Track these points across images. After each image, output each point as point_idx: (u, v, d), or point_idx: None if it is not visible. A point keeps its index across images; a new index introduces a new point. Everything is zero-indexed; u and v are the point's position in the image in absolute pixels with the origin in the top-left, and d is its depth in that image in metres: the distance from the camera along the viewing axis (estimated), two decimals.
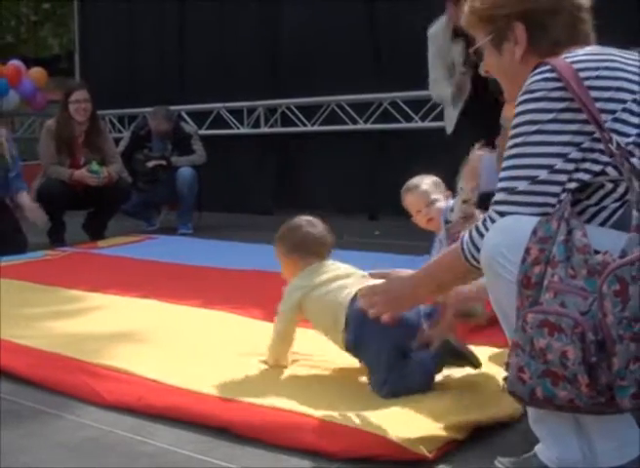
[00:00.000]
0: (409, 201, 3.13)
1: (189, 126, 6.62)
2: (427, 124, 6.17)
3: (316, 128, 6.90)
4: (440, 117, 5.91)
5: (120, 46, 8.28)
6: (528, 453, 1.59)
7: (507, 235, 1.47)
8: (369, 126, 6.58)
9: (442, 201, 3.07)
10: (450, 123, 4.64)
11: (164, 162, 6.01)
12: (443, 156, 5.66)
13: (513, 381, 1.40)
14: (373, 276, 2.04)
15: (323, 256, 2.34)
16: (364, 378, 2.17)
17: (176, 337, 2.71)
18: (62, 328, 2.87)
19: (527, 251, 1.40)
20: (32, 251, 4.79)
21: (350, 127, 6.68)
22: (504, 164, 1.55)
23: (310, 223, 2.41)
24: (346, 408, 1.92)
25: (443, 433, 1.76)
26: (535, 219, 1.44)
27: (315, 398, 2.01)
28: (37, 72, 8.56)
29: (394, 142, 6.46)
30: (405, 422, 1.80)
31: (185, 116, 7.33)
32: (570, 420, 1.46)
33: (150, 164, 6.06)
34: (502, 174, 1.54)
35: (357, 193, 6.59)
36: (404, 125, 6.36)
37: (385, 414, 1.85)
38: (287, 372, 2.27)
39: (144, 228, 6.08)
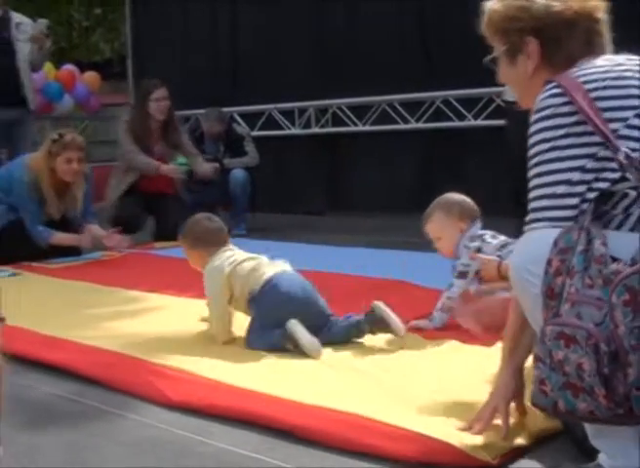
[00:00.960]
0: (425, 229, 2.95)
1: (242, 127, 6.64)
2: (480, 122, 6.11)
3: (367, 127, 6.88)
4: (493, 115, 5.85)
5: (172, 49, 8.37)
6: (592, 462, 1.55)
7: (531, 250, 1.48)
8: (421, 125, 6.54)
9: (452, 233, 2.84)
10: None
11: (217, 164, 6.04)
12: (496, 154, 5.63)
13: (536, 394, 1.40)
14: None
15: (223, 243, 2.78)
16: (422, 384, 2.15)
17: (234, 338, 2.71)
18: (125, 328, 2.90)
19: (549, 262, 1.41)
20: (88, 252, 4.86)
21: (402, 126, 6.65)
22: (529, 185, 1.55)
23: (208, 218, 2.89)
24: (408, 412, 1.90)
25: (507, 440, 1.73)
26: (556, 232, 1.44)
27: (375, 401, 2.00)
28: (91, 76, 8.70)
29: (447, 141, 6.40)
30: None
31: (237, 117, 7.36)
32: (629, 432, 1.43)
33: None
34: (529, 196, 1.55)
35: (410, 193, 6.54)
36: (457, 123, 6.31)
37: (447, 420, 1.83)
38: (348, 375, 2.26)
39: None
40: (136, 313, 3.08)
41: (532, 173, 1.56)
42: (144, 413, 2.13)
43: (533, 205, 1.54)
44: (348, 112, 7.00)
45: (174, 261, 4.59)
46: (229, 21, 7.85)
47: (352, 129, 7.01)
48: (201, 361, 2.41)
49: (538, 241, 1.48)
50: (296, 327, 2.48)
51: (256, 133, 7.13)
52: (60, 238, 4.66)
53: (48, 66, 8.22)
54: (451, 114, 6.33)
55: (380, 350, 2.53)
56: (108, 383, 2.34)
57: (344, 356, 2.48)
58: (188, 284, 3.70)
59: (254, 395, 2.10)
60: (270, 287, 2.60)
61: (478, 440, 1.70)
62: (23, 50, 5.49)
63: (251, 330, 2.62)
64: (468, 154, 6.19)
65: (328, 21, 7.11)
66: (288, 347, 2.48)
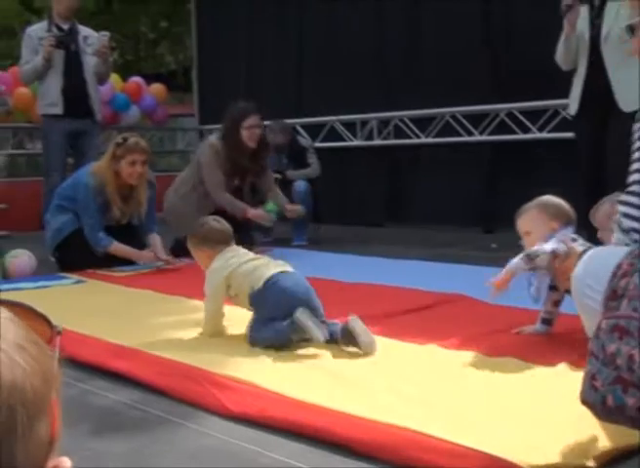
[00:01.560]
0: (517, 222, 2.88)
1: (305, 139, 6.66)
2: (545, 135, 6.03)
3: (430, 139, 6.85)
4: (559, 127, 5.77)
5: (236, 61, 8.49)
6: None
7: (594, 266, 1.50)
8: (484, 137, 6.48)
9: (542, 230, 2.73)
10: (574, 103, 4.46)
11: (279, 175, 6.09)
12: (561, 167, 5.54)
13: (586, 390, 1.39)
14: None
15: (228, 243, 2.95)
16: (480, 400, 2.13)
17: (295, 349, 2.73)
18: (187, 337, 2.94)
19: (619, 266, 1.41)
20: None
21: (465, 138, 6.60)
22: (629, 180, 1.53)
23: (215, 219, 3.07)
24: (466, 429, 1.88)
25: (574, 460, 1.69)
26: (616, 248, 1.43)
27: (431, 416, 1.98)
28: (157, 88, 8.87)
29: (510, 154, 6.34)
30: (533, 447, 1.74)
31: (300, 129, 7.42)
32: None
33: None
34: (629, 188, 1.52)
35: (472, 206, 6.49)
36: (521, 136, 6.23)
37: (509, 437, 1.80)
38: (403, 388, 2.25)
39: (260, 239, 6.17)
40: (198, 322, 3.12)
41: (633, 167, 1.53)
42: (205, 423, 2.16)
43: (626, 199, 1.51)
44: (410, 124, 6.99)
45: None
46: (294, 34, 7.93)
47: (414, 141, 6.99)
48: (260, 372, 2.43)
49: (602, 258, 1.47)
50: (303, 315, 2.60)
51: (317, 144, 7.17)
52: (120, 249, 4.70)
53: (115, 78, 8.43)
54: (515, 127, 6.26)
55: (436, 362, 2.51)
56: (171, 392, 2.38)
57: (397, 366, 2.47)
58: None
59: (312, 408, 2.10)
60: (271, 284, 2.75)
61: (542, 459, 1.67)
62: (90, 62, 5.63)
63: (253, 327, 2.77)
64: (533, 167, 6.11)
65: (391, 33, 7.12)
66: (292, 337, 2.64)
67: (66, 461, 0.56)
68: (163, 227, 5.27)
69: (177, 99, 11.47)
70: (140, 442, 2.05)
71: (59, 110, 5.56)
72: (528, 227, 2.79)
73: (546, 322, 2.83)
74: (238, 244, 2.97)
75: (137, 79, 8.73)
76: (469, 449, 1.75)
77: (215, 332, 2.90)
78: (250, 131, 5.13)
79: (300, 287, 2.80)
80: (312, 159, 6.33)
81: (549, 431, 1.84)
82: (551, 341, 2.71)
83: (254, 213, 5.14)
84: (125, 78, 8.63)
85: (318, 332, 2.60)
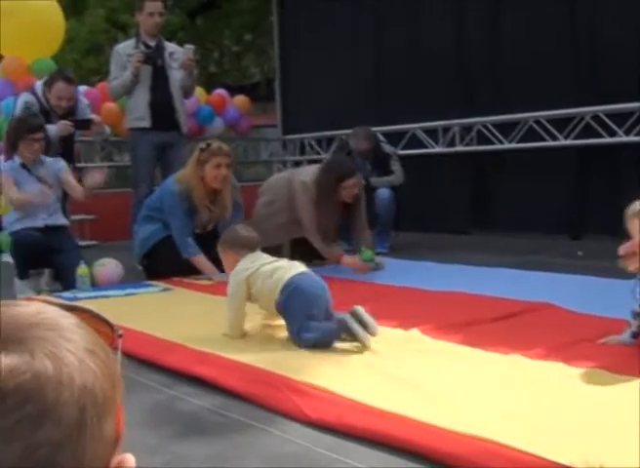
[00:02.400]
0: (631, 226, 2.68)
1: (389, 146, 6.58)
2: (633, 138, 5.85)
3: (513, 145, 6.74)
4: None
5: (318, 71, 8.57)
6: None
7: None
8: (570, 142, 6.33)
9: None
10: None
11: (363, 182, 6.07)
12: None
13: None
14: None
15: (253, 249, 3.19)
16: (565, 413, 2.08)
17: (374, 358, 2.73)
18: (268, 344, 2.99)
19: None
20: None
21: (550, 143, 6.46)
22: None
23: (242, 228, 3.36)
24: (549, 439, 1.84)
25: None
26: None
27: (514, 428, 1.95)
28: (241, 99, 9.02)
29: (596, 158, 6.18)
30: (619, 463, 1.69)
31: (382, 137, 7.43)
32: None
33: None
34: None
35: (558, 212, 6.35)
36: (607, 140, 6.07)
37: (594, 451, 1.76)
38: (489, 401, 2.22)
39: (342, 247, 6.16)
40: (279, 330, 3.15)
41: None
42: (285, 429, 2.19)
43: None
44: (493, 130, 6.90)
45: None
46: (373, 43, 7.96)
47: (498, 147, 6.89)
48: (340, 379, 2.44)
49: None
50: (351, 320, 2.83)
51: (399, 152, 7.15)
52: (202, 263, 4.70)
53: (199, 91, 8.62)
54: (601, 130, 6.10)
55: (519, 372, 2.46)
56: (252, 398, 2.42)
57: (478, 376, 2.44)
58: (333, 302, 3.77)
59: (391, 416, 2.10)
60: (293, 289, 2.96)
61: None
62: (176, 77, 5.78)
63: (295, 330, 2.93)
64: (620, 172, 5.94)
65: (471, 38, 7.05)
66: (343, 337, 2.84)
67: (129, 458, 0.58)
68: None
69: (260, 110, 11.63)
70: (222, 446, 2.09)
71: (146, 124, 5.73)
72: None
73: (635, 335, 2.74)
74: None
75: (221, 91, 8.90)
76: (552, 463, 1.72)
77: (237, 331, 3.10)
78: (349, 190, 4.94)
79: (319, 288, 3.03)
80: (396, 166, 6.25)
81: (635, 447, 1.78)
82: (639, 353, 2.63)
83: (348, 261, 4.83)
84: (209, 91, 8.81)
85: (365, 337, 2.81)
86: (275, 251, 5.10)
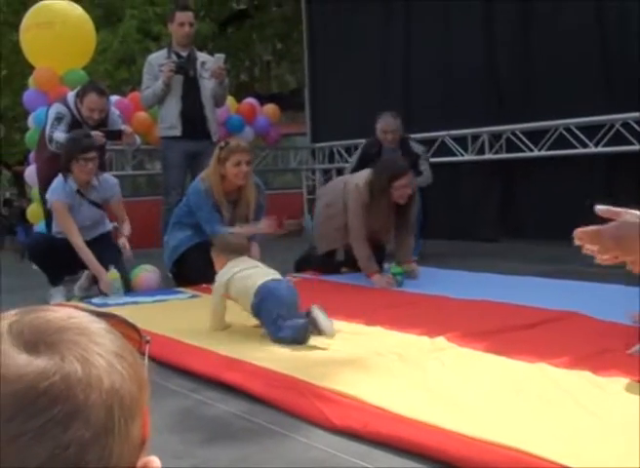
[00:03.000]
0: None
1: (418, 145, 6.32)
2: None
3: (543, 153, 6.70)
4: None
5: (346, 79, 8.60)
6: None
7: None
8: (600, 149, 6.28)
9: None
10: None
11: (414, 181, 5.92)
12: None
13: None
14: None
15: (240, 254, 3.56)
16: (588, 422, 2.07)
17: (400, 365, 2.74)
18: (294, 351, 3.01)
19: None
20: None
21: (580, 151, 6.42)
22: None
23: (233, 235, 3.93)
24: (577, 449, 1.83)
25: None
26: None
27: (545, 438, 1.94)
28: (270, 108, 9.07)
29: (626, 166, 6.12)
30: None
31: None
32: None
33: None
34: None
35: (589, 220, 6.28)
36: (637, 147, 6.01)
37: (619, 461, 1.75)
38: (515, 410, 2.21)
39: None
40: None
41: None
42: (310, 435, 2.20)
43: None
44: (523, 137, 6.86)
45: (342, 287, 4.72)
46: (402, 51, 7.97)
47: (527, 154, 6.85)
48: (365, 386, 2.44)
49: None
50: (317, 311, 3.15)
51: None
52: (237, 233, 4.54)
53: (230, 100, 8.68)
54: (631, 138, 6.04)
55: (545, 381, 2.45)
56: (278, 404, 2.44)
57: (505, 384, 2.43)
58: (360, 311, 3.79)
59: (417, 424, 2.10)
60: (265, 293, 3.30)
61: None
62: (207, 87, 5.85)
63: (271, 329, 3.25)
64: None
65: (500, 46, 7.04)
66: (311, 330, 3.11)
67: (155, 460, 0.60)
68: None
69: (289, 119, 11.69)
70: (247, 451, 2.11)
71: (177, 132, 5.80)
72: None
73: None
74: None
75: (251, 100, 8.96)
76: None
77: (216, 324, 3.49)
78: (401, 190, 4.80)
79: (287, 290, 3.41)
80: (424, 166, 6.07)
81: None
82: None
83: (378, 280, 4.73)
84: (239, 100, 8.88)
85: (329, 328, 3.13)
86: (329, 255, 5.17)
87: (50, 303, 4.48)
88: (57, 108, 5.25)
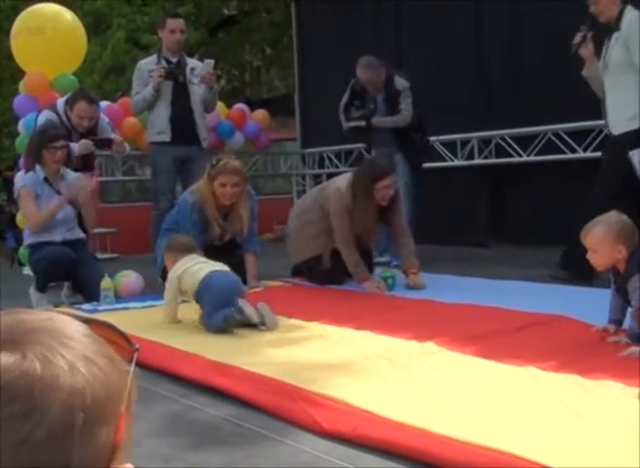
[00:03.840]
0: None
1: (402, 81, 5.95)
2: None
3: (532, 158, 6.74)
4: None
5: (337, 85, 8.60)
6: None
7: None
8: (588, 154, 6.31)
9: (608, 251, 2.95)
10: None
11: (363, 123, 5.72)
12: None
13: None
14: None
15: (189, 253, 3.84)
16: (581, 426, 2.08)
17: (389, 370, 2.74)
18: (284, 355, 3.01)
19: None
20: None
21: (569, 156, 6.45)
22: None
23: (182, 236, 4.16)
24: (564, 452, 1.84)
25: None
26: None
27: (533, 441, 1.95)
28: (260, 114, 9.08)
29: None
30: None
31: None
32: None
33: (350, 124, 5.91)
34: None
35: (578, 225, 6.31)
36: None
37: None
38: (504, 413, 2.22)
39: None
40: (295, 341, 3.19)
41: None
42: (300, 440, 2.20)
43: None
44: (512, 143, 6.89)
45: (333, 292, 4.73)
46: (391, 55, 7.98)
47: (517, 159, 6.88)
48: (354, 390, 2.44)
49: None
50: (245, 305, 3.53)
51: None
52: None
53: (220, 106, 8.69)
54: None
55: (533, 384, 2.46)
56: (267, 409, 2.44)
57: (493, 388, 2.44)
58: (346, 314, 3.80)
59: (405, 428, 2.10)
60: (207, 282, 3.59)
61: None
62: (197, 92, 5.86)
63: (205, 317, 3.60)
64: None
65: (490, 51, 7.07)
66: (237, 317, 3.47)
67: None
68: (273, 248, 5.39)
69: (279, 124, 11.70)
70: (236, 456, 2.11)
71: (167, 138, 5.80)
72: (593, 245, 3.00)
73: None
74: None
75: (241, 106, 8.97)
76: None
77: (170, 318, 3.81)
78: (383, 192, 4.74)
79: (229, 281, 3.69)
80: (405, 104, 5.74)
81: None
82: None
83: (369, 285, 4.67)
84: (230, 105, 8.89)
85: (254, 317, 3.50)
86: (316, 261, 5.06)
87: (35, 308, 4.47)
88: (46, 115, 5.26)
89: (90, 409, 0.56)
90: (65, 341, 0.58)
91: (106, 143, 5.27)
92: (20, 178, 4.84)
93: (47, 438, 0.54)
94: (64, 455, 0.54)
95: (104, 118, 5.65)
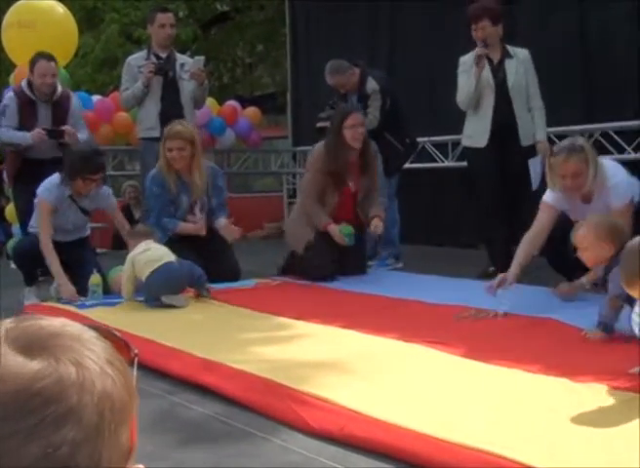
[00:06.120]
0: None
1: (372, 83, 5.93)
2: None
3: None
4: None
5: (329, 85, 8.60)
6: None
7: None
8: None
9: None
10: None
11: (328, 124, 5.60)
12: None
13: None
14: None
15: (147, 237, 4.36)
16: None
17: (376, 369, 2.75)
18: (272, 353, 3.00)
19: None
20: (244, 279, 5.07)
21: None
22: None
23: (141, 224, 4.81)
24: (554, 453, 1.84)
25: None
26: None
27: (522, 443, 1.95)
28: (252, 111, 9.07)
29: None
30: None
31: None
32: None
33: (318, 125, 5.95)
34: None
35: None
36: (617, 156, 6.06)
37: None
38: (492, 414, 2.22)
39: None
40: (282, 339, 3.18)
41: None
42: (287, 438, 2.20)
43: None
44: None
45: (323, 291, 4.73)
46: (385, 55, 8.00)
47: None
48: (342, 390, 2.44)
49: None
50: (168, 297, 4.12)
51: (408, 165, 7.16)
52: (184, 227, 4.99)
53: (211, 102, 8.67)
54: (610, 147, 6.10)
55: (520, 386, 2.47)
56: (255, 407, 2.44)
57: (481, 389, 2.45)
58: (334, 313, 3.80)
59: (393, 428, 2.10)
60: (156, 273, 4.13)
61: None
62: (187, 88, 5.83)
63: (145, 298, 4.23)
64: None
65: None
66: (164, 301, 4.11)
67: None
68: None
69: (272, 122, 11.69)
70: (223, 454, 2.11)
71: (156, 134, 5.73)
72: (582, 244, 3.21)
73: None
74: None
75: (232, 103, 8.95)
76: None
77: (128, 295, 4.30)
78: (352, 130, 4.99)
79: (177, 272, 4.22)
80: (373, 107, 5.77)
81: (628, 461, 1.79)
82: None
83: (332, 229, 4.99)
84: (221, 102, 8.87)
85: (177, 303, 4.15)
86: (307, 249, 5.06)
87: (24, 303, 4.46)
88: (4, 100, 5.30)
89: (117, 411, 0.58)
90: (89, 346, 0.60)
91: (59, 133, 5.26)
92: (48, 188, 4.60)
93: (82, 441, 0.55)
94: (96, 457, 0.56)
95: (80, 109, 5.66)
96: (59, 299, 4.53)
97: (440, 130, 7.24)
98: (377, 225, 5.05)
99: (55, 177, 4.64)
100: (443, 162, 7.40)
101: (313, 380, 2.57)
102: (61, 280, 4.50)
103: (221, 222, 5.07)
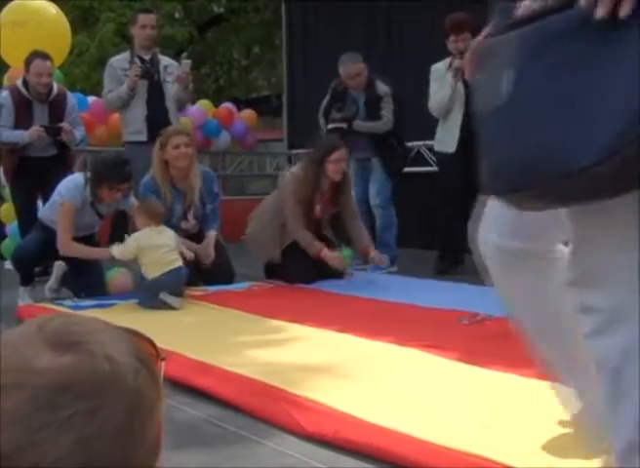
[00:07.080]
0: None
1: (384, 85, 5.93)
2: None
3: None
4: None
5: (325, 87, 8.60)
6: None
7: None
8: None
9: None
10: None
11: (344, 125, 5.67)
12: None
13: None
14: None
15: (157, 223, 4.32)
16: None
17: (370, 373, 2.74)
18: (266, 356, 3.00)
19: None
20: (238, 281, 5.06)
21: None
22: None
23: (157, 203, 4.56)
24: (550, 458, 1.84)
25: None
26: None
27: (517, 447, 1.95)
28: (247, 114, 9.07)
29: None
30: None
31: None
32: None
33: (330, 126, 5.86)
34: None
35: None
36: None
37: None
38: (486, 418, 2.22)
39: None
40: (277, 342, 3.17)
41: None
42: (281, 442, 2.19)
43: None
44: None
45: (318, 294, 4.72)
46: (378, 59, 8.00)
47: None
48: (337, 393, 2.44)
49: None
50: (166, 295, 4.17)
51: (404, 170, 7.16)
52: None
53: (207, 105, 8.66)
54: None
55: (515, 391, 2.47)
56: (249, 410, 2.43)
57: (476, 393, 2.44)
58: (329, 317, 3.79)
59: (387, 432, 2.10)
60: (165, 276, 4.21)
61: None
62: (171, 91, 5.78)
63: (141, 298, 4.30)
64: None
65: None
66: (162, 297, 4.16)
67: None
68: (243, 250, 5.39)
69: (267, 124, 11.70)
70: (217, 457, 2.10)
71: (143, 137, 5.67)
72: None
73: None
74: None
75: (228, 105, 8.95)
76: None
77: (125, 256, 4.36)
78: (335, 165, 4.94)
79: (178, 280, 4.31)
80: (386, 110, 5.76)
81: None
82: None
83: (327, 254, 4.89)
84: (217, 104, 8.86)
85: (175, 304, 4.18)
86: (287, 259, 5.01)
87: (19, 304, 4.44)
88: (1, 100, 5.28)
89: (146, 409, 0.59)
90: (121, 342, 0.61)
91: (57, 131, 5.25)
92: (72, 190, 4.52)
93: (114, 435, 0.55)
94: (127, 455, 0.56)
95: (76, 107, 5.64)
96: (52, 300, 4.52)
97: (435, 134, 7.23)
98: (379, 258, 5.13)
99: (78, 178, 4.59)
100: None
101: (308, 383, 2.56)
102: (103, 253, 4.59)
103: (207, 240, 4.97)
